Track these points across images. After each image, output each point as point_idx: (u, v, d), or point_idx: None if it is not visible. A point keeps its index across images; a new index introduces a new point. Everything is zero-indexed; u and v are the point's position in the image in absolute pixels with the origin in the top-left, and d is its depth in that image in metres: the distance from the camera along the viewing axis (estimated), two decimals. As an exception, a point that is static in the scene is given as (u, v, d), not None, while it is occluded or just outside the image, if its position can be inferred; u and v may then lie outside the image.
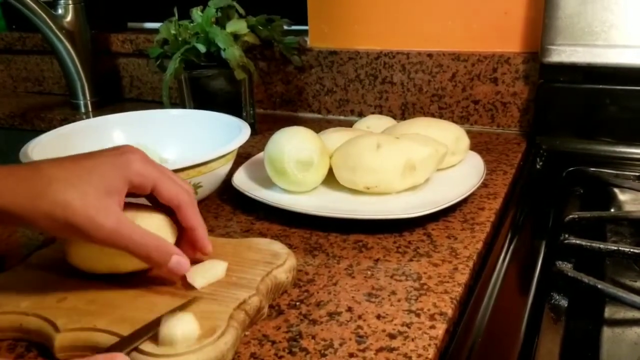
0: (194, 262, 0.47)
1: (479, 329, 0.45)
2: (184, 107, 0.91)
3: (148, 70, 1.19)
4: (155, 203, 0.47)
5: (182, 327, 0.38)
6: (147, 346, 0.38)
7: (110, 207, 0.42)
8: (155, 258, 0.43)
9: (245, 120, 0.82)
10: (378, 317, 0.45)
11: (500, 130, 0.92)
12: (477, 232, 0.58)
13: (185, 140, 0.73)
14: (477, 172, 0.68)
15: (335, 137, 0.69)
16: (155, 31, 0.92)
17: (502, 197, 0.67)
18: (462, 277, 0.50)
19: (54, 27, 1.07)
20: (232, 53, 0.83)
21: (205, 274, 0.46)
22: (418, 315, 0.45)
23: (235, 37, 0.85)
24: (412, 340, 0.42)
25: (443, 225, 0.60)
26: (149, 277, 0.47)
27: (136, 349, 0.38)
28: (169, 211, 0.47)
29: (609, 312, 0.48)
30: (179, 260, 0.44)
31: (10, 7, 1.06)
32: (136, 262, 0.45)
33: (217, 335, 0.39)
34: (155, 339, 0.39)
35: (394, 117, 0.89)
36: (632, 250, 0.54)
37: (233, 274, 0.46)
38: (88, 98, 1.15)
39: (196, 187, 0.60)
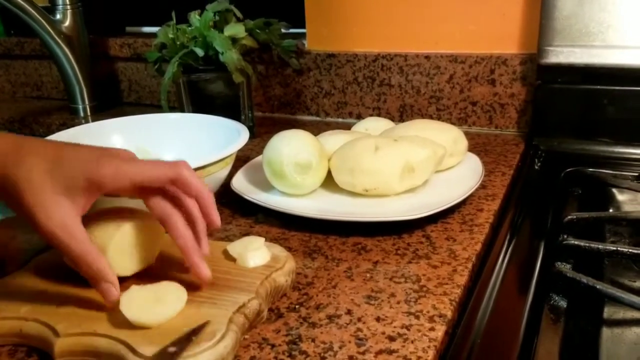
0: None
1: (478, 330, 0.45)
2: (182, 110, 0.91)
3: (146, 74, 1.19)
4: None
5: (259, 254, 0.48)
6: (146, 350, 0.38)
7: (58, 206, 0.41)
8: (88, 274, 0.43)
9: (244, 123, 0.82)
10: (377, 319, 0.45)
11: (498, 131, 0.93)
12: (476, 234, 0.58)
13: (183, 143, 0.73)
14: (476, 173, 0.68)
15: (333, 139, 0.69)
16: (153, 35, 0.92)
17: (501, 199, 0.67)
18: (461, 278, 0.50)
19: (52, 32, 1.07)
20: (230, 56, 0.83)
21: (253, 255, 0.49)
22: (417, 317, 0.45)
23: (233, 40, 0.85)
24: (412, 342, 0.42)
25: (442, 227, 0.60)
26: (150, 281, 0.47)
27: (136, 352, 0.38)
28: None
29: (608, 312, 0.48)
30: (108, 287, 0.43)
31: (9, 13, 1.06)
32: (136, 266, 0.45)
33: (216, 339, 0.39)
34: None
35: (392, 119, 0.89)
36: (630, 250, 0.54)
37: (232, 277, 0.47)
38: (87, 102, 1.15)
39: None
